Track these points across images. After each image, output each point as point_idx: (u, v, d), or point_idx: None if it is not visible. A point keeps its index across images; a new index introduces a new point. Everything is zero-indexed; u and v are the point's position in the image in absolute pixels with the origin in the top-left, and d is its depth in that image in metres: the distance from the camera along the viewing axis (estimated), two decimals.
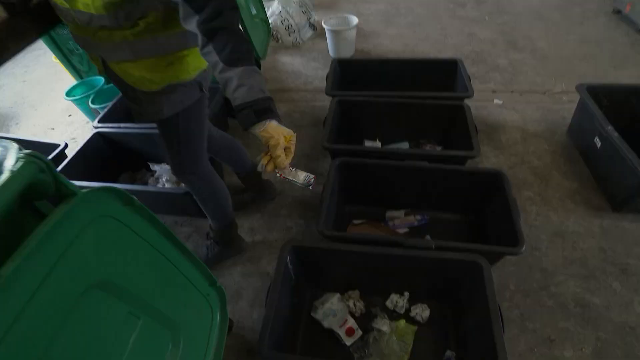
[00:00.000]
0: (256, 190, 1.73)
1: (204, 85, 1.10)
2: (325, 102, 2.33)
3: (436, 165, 1.51)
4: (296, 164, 2.10)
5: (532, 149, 1.97)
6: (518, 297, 1.36)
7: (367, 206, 1.67)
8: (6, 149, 0.54)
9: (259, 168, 0.85)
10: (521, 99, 2.34)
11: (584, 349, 1.22)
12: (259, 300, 1.41)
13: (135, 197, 0.69)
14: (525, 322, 1.30)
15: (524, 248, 1.19)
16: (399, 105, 1.82)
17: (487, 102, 2.32)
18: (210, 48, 0.81)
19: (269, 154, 0.83)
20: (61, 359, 0.58)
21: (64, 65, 2.30)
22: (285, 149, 0.84)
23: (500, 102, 2.32)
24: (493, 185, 1.46)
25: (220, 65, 0.81)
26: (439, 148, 1.92)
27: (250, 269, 1.52)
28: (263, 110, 0.80)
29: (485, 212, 1.54)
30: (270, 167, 0.84)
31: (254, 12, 2.28)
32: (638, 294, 1.35)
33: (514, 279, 1.42)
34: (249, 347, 1.29)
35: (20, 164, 0.49)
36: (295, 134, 0.87)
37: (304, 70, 2.70)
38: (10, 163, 0.49)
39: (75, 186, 0.57)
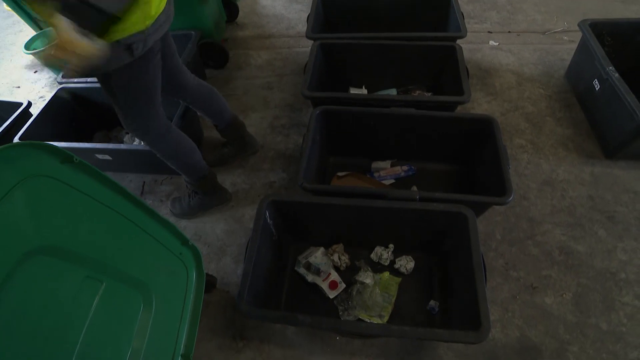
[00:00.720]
0: (237, 143, 1.64)
1: (135, 48, 0.92)
2: (308, 47, 2.17)
3: (423, 112, 1.41)
4: (279, 115, 2.01)
5: (527, 94, 1.88)
6: (503, 247, 1.35)
7: (352, 157, 1.60)
8: None
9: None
10: (518, 39, 2.18)
11: (564, 295, 1.23)
12: (243, 257, 1.38)
13: (74, 155, 0.61)
14: (509, 270, 1.30)
15: (511, 198, 1.15)
16: (386, 47, 1.68)
17: (482, 44, 2.17)
18: None
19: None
20: (8, 326, 0.54)
21: (18, 14, 2.07)
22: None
23: (496, 44, 2.17)
24: (483, 133, 1.38)
25: None
26: (428, 94, 1.82)
27: (233, 225, 1.49)
28: None
29: (475, 161, 1.48)
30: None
31: None
32: (622, 241, 1.34)
33: (500, 228, 1.40)
34: (233, 302, 1.29)
35: None
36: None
37: (286, 14, 2.48)
38: None
39: None
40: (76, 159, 0.62)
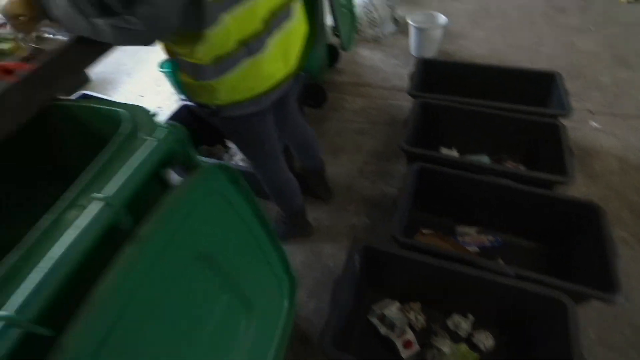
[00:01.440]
0: (313, 188, 1.70)
1: (224, 113, 1.01)
2: (402, 101, 2.26)
3: (520, 185, 1.39)
4: (368, 161, 2.04)
5: (632, 183, 1.76)
6: (599, 350, 1.23)
7: (437, 216, 1.60)
8: (144, 114, 0.57)
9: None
10: (624, 124, 2.08)
11: None
12: (317, 292, 1.42)
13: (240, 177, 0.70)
14: None
15: (620, 296, 1.06)
16: (484, 115, 1.70)
17: (581, 123, 2.09)
18: None
19: None
20: (166, 318, 0.61)
21: None
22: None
23: (598, 126, 2.08)
24: (584, 218, 1.32)
25: None
26: (521, 166, 1.78)
27: (311, 259, 1.53)
28: None
29: (570, 247, 1.40)
30: None
31: (342, 1, 2.25)
32: None
33: (595, 327, 1.28)
34: (302, 335, 1.31)
35: (164, 133, 0.51)
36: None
37: (383, 67, 2.63)
38: (157, 132, 0.51)
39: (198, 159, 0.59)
40: (241, 181, 0.71)
